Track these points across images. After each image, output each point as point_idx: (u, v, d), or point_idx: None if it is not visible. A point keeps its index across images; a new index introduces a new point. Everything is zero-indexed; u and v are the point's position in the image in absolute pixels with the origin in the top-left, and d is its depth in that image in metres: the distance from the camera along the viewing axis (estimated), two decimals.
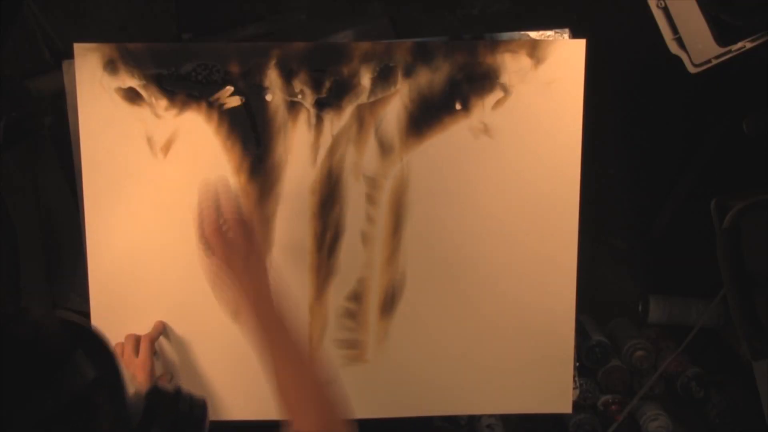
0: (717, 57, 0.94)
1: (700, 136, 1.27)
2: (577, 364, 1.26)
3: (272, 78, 1.01)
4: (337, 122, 1.02)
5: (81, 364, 0.61)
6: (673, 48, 0.95)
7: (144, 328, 1.03)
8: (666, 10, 0.94)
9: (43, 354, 0.61)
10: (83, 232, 1.04)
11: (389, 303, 1.07)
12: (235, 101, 1.02)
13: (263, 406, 1.04)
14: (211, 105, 1.01)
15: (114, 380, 0.65)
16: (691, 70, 0.95)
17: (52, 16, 1.12)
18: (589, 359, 1.25)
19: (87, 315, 1.05)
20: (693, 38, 0.93)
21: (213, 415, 1.04)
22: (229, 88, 1.01)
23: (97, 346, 0.66)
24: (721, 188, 1.05)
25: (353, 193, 1.04)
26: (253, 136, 1.02)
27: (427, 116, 1.03)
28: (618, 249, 1.35)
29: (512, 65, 1.02)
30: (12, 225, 1.10)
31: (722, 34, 0.92)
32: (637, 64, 1.19)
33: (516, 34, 1.04)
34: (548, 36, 1.05)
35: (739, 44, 0.92)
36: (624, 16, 1.08)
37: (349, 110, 1.02)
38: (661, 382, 1.29)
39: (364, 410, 1.06)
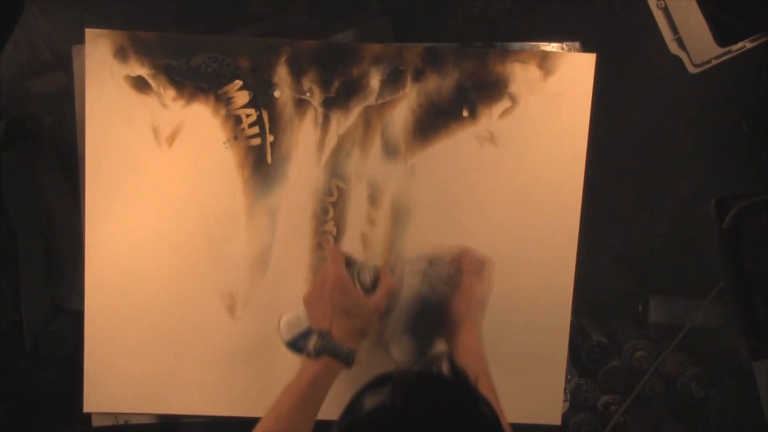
0: (717, 57, 0.94)
1: (700, 136, 1.27)
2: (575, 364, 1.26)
3: (282, 74, 1.01)
4: (343, 122, 1.03)
5: None
6: (673, 48, 0.95)
7: (141, 320, 1.03)
8: (666, 10, 0.94)
9: None
10: (83, 230, 1.04)
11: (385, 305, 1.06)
12: (243, 96, 1.02)
13: (260, 403, 1.04)
14: (219, 98, 1.02)
15: None
16: (691, 70, 0.96)
17: (52, 16, 1.12)
18: (589, 359, 1.25)
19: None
20: (693, 38, 0.94)
21: (211, 411, 1.04)
22: (238, 82, 1.01)
23: None
24: (721, 188, 1.04)
25: (355, 194, 1.04)
26: (258, 132, 1.03)
27: (433, 121, 1.03)
28: (618, 249, 1.35)
29: (521, 75, 1.02)
30: (11, 225, 1.09)
31: (722, 34, 0.92)
32: (637, 63, 1.19)
33: (527, 45, 1.04)
34: (560, 48, 1.05)
35: (739, 44, 0.92)
36: (624, 15, 1.08)
37: (356, 111, 1.02)
38: (662, 383, 1.29)
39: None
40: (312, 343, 0.86)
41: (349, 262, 0.92)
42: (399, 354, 0.99)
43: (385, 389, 0.59)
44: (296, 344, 0.91)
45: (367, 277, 0.90)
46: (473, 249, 0.98)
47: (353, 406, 0.60)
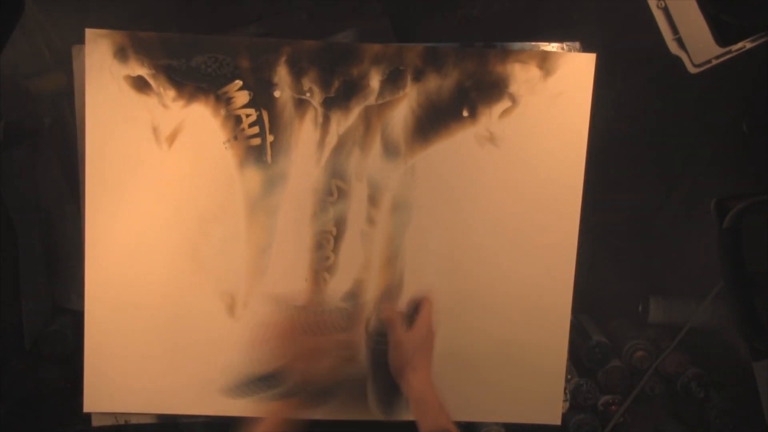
0: (717, 57, 0.94)
1: (700, 136, 1.27)
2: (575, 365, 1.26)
3: (282, 75, 1.01)
4: (343, 122, 1.03)
5: None
6: (673, 48, 0.95)
7: (141, 320, 1.03)
8: (666, 11, 0.94)
9: None
10: (83, 230, 1.04)
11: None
12: (243, 96, 1.02)
13: (260, 403, 1.04)
14: (219, 98, 1.02)
15: None
16: (691, 70, 0.95)
17: (52, 16, 1.12)
18: (589, 359, 1.25)
19: None
20: (693, 38, 0.93)
21: (211, 411, 1.04)
22: (238, 83, 1.01)
23: None
24: (721, 188, 1.04)
25: (356, 194, 1.04)
26: (258, 132, 1.03)
27: (434, 121, 1.03)
28: (618, 249, 1.35)
29: (521, 75, 1.02)
30: (11, 225, 1.09)
31: (722, 34, 0.92)
32: (637, 63, 1.19)
33: (527, 45, 1.04)
34: (560, 47, 1.05)
35: (739, 44, 0.92)
36: (623, 15, 1.08)
37: (356, 111, 1.02)
38: (661, 383, 1.29)
39: (353, 412, 1.06)
40: None
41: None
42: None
43: None
44: None
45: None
46: (394, 300, 1.03)
47: None
